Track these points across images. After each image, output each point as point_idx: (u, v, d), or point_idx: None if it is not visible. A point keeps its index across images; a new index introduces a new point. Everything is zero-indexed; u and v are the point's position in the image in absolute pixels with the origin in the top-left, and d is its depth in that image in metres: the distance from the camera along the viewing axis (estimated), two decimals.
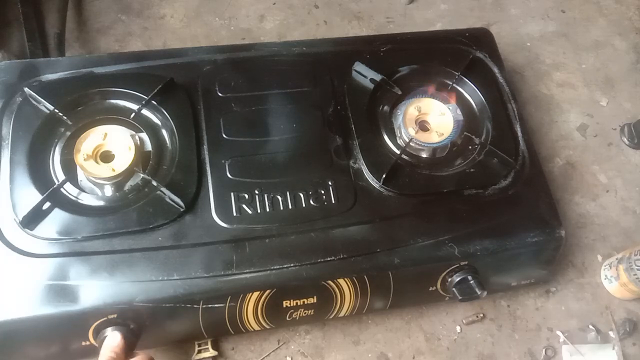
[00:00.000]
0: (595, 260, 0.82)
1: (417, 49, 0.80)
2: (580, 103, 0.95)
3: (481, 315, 0.76)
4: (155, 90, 0.68)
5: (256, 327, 0.65)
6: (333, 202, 0.66)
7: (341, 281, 0.63)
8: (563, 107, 0.94)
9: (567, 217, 0.83)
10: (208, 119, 0.69)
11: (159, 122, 0.69)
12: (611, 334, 0.76)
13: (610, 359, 0.74)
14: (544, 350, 0.74)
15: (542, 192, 0.72)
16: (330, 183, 0.67)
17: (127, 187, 0.64)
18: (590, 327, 0.76)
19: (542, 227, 0.69)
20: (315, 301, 0.64)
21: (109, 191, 0.64)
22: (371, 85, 0.74)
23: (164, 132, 0.69)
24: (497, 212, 0.69)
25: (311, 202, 0.65)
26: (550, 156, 0.89)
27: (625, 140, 0.92)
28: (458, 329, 0.75)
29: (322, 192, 0.66)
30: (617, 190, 0.88)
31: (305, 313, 0.65)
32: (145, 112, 0.69)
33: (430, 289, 0.68)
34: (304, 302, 0.64)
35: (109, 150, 0.65)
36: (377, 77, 0.74)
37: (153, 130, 0.68)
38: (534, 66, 0.98)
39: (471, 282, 0.66)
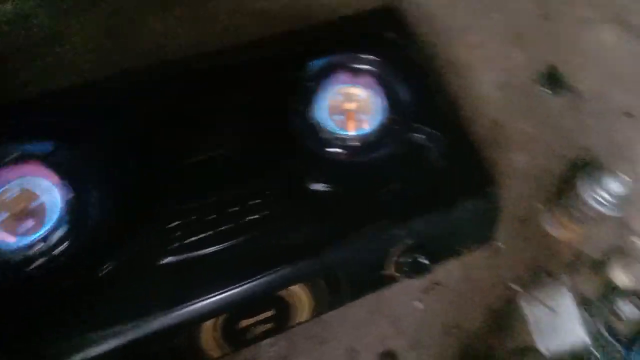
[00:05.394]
0: (537, 209, 0.85)
1: (325, 39, 0.79)
2: (494, 61, 0.97)
3: (438, 286, 0.77)
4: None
5: (219, 353, 0.63)
6: (271, 210, 0.65)
7: (294, 288, 0.63)
8: (479, 68, 0.96)
9: (502, 173, 0.86)
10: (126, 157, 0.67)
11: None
12: (563, 276, 0.79)
13: (566, 299, 0.77)
14: (503, 304, 0.76)
15: (473, 156, 0.73)
16: (266, 192, 0.66)
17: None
18: (543, 273, 0.79)
19: (479, 190, 0.70)
20: (272, 314, 0.63)
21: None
22: (286, 86, 0.73)
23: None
24: (434, 185, 0.69)
25: (250, 214, 0.64)
26: (475, 118, 0.91)
27: (544, 89, 0.95)
28: (419, 305, 0.76)
29: (259, 202, 0.65)
30: (544, 138, 0.91)
31: (264, 327, 0.64)
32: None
33: (383, 273, 0.68)
34: (262, 317, 0.63)
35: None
36: (289, 76, 0.73)
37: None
38: (445, 33, 0.99)
39: (420, 258, 0.66)
